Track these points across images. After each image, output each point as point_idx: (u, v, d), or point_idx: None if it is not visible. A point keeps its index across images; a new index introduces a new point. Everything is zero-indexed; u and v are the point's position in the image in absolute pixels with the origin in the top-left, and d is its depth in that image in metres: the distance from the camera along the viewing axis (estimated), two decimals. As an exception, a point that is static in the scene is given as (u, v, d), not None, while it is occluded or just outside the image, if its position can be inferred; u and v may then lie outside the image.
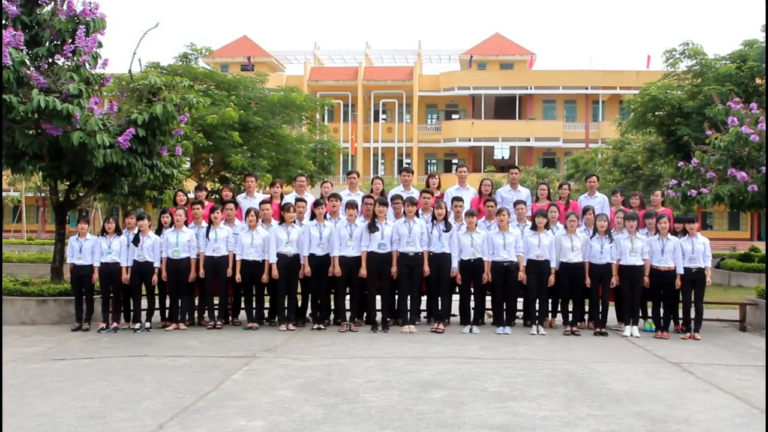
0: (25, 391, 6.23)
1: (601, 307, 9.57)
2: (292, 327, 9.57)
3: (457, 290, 9.88)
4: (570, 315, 9.68)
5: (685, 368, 7.40)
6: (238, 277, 9.61)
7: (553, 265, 9.53)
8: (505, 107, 48.96)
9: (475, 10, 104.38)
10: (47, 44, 9.87)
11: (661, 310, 9.57)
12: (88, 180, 10.77)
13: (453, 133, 47.95)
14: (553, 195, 13.08)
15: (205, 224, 9.81)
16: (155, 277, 9.63)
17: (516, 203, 10.05)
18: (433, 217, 9.54)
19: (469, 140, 47.25)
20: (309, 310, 10.13)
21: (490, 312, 10.18)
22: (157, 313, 10.00)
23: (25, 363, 7.48)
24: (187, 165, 17.14)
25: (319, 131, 25.09)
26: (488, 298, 10.02)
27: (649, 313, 9.87)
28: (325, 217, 9.67)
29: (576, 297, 9.67)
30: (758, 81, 16.82)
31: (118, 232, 9.74)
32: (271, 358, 7.67)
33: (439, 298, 9.76)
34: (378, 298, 9.75)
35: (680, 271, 9.33)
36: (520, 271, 9.44)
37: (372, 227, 9.41)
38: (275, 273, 9.53)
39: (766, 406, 5.81)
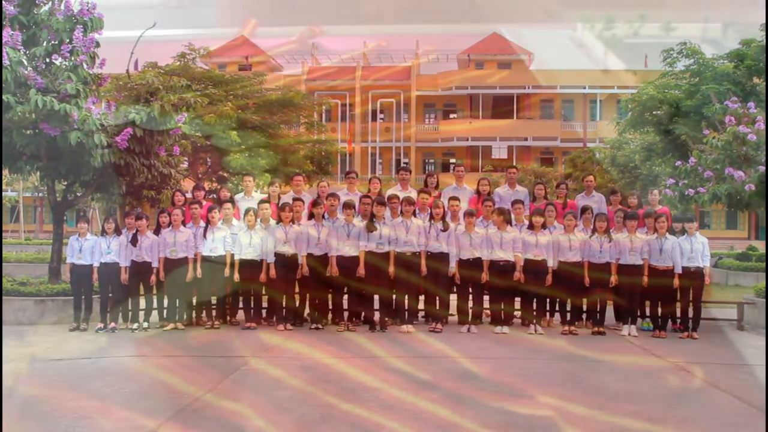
0: (23, 391, 6.21)
1: (599, 306, 9.57)
2: (290, 327, 9.56)
3: (455, 290, 9.88)
4: (568, 314, 9.68)
5: (683, 367, 7.41)
6: (236, 276, 9.61)
7: (551, 264, 9.53)
8: (502, 106, 48.96)
9: (473, 9, 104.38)
10: (45, 44, 9.84)
11: (659, 310, 9.57)
12: (86, 180, 10.76)
13: (451, 132, 47.90)
14: (551, 194, 13.08)
15: (203, 224, 9.80)
16: (153, 277, 9.62)
17: (514, 202, 10.04)
18: (431, 217, 9.54)
19: (467, 140, 47.23)
20: (307, 310, 10.12)
21: (488, 311, 10.17)
22: (154, 313, 9.99)
23: (23, 363, 7.46)
24: (185, 165, 17.13)
25: (317, 131, 25.12)
26: (486, 298, 10.02)
27: (647, 313, 9.87)
28: (323, 216, 9.67)
29: (574, 296, 9.68)
30: (756, 80, 16.83)
31: (117, 232, 9.73)
32: (270, 358, 7.66)
33: (437, 298, 9.76)
34: (376, 297, 9.75)
35: (678, 270, 9.33)
36: (518, 270, 9.44)
37: (370, 226, 9.41)
38: (273, 273, 9.53)
39: (766, 405, 5.81)
